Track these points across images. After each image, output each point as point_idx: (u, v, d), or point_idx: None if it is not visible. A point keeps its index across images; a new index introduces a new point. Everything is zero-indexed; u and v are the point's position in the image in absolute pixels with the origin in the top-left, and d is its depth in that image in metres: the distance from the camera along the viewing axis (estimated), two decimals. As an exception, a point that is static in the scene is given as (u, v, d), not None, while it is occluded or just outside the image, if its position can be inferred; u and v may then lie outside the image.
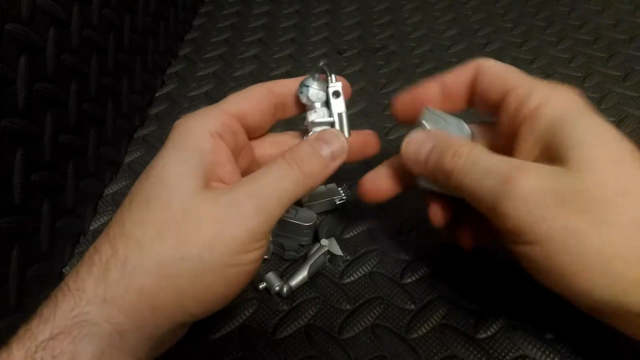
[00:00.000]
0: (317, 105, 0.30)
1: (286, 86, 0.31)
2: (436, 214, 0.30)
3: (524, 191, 0.23)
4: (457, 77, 0.30)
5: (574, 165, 0.22)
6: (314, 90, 0.30)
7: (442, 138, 0.27)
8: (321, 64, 0.30)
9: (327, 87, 0.30)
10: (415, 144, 0.28)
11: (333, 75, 0.30)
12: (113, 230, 0.24)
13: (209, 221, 0.24)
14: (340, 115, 0.30)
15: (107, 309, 0.22)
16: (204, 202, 0.24)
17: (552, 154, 0.24)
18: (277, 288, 0.33)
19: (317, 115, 0.30)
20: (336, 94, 0.30)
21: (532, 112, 0.25)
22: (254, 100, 0.29)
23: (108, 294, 0.22)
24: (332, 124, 0.30)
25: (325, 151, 0.28)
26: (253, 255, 0.24)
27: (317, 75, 0.30)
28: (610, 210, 0.22)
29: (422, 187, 0.30)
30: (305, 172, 0.26)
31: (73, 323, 0.22)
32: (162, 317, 0.23)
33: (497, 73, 0.28)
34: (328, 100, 0.30)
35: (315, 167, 0.27)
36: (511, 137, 0.27)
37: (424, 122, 0.29)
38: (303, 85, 0.30)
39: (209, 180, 0.25)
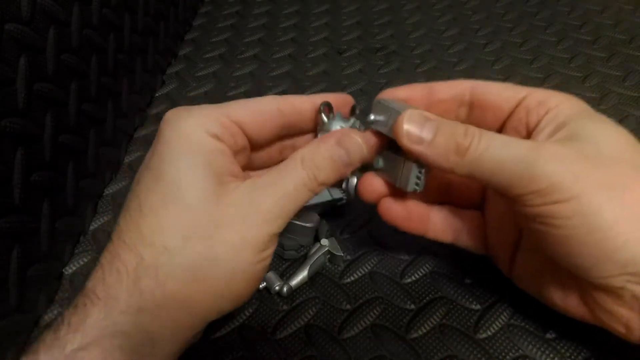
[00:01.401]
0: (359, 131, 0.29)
1: (298, 108, 0.29)
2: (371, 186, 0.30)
3: (558, 152, 0.24)
4: (450, 88, 0.30)
5: (594, 144, 0.24)
6: (348, 125, 0.30)
7: (441, 119, 0.27)
8: (357, 111, 0.30)
9: (351, 121, 0.30)
10: (416, 125, 0.26)
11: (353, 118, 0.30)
12: (129, 237, 0.24)
13: (235, 225, 0.24)
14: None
15: (142, 318, 0.22)
16: (227, 206, 0.24)
17: (569, 137, 0.25)
18: (277, 288, 0.33)
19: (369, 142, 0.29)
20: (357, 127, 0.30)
21: (553, 108, 0.27)
22: (259, 115, 0.28)
23: (144, 304, 0.23)
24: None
25: (345, 160, 0.27)
26: (270, 251, 0.26)
27: (338, 114, 0.30)
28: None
29: (377, 167, 0.30)
30: (320, 180, 0.26)
31: (104, 334, 0.22)
32: (198, 319, 0.24)
33: (504, 86, 0.29)
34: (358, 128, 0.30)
35: (330, 176, 0.27)
36: (519, 130, 0.29)
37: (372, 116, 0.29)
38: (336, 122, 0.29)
39: (221, 181, 0.25)
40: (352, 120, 0.30)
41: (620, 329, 0.25)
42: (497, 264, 0.32)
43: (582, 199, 0.23)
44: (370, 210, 0.39)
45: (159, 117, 0.51)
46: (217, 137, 0.26)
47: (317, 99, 0.29)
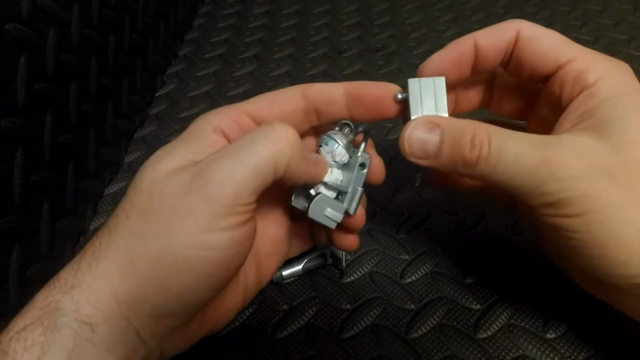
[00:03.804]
0: (334, 164, 0.27)
1: (322, 92, 0.28)
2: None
3: (570, 169, 0.22)
4: (493, 39, 0.27)
5: (618, 143, 0.23)
6: (342, 150, 0.27)
7: (449, 123, 0.25)
8: (361, 128, 0.28)
9: (354, 152, 0.28)
10: (419, 138, 0.25)
11: (364, 144, 0.28)
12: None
13: (169, 196, 0.22)
14: (356, 190, 0.27)
15: (76, 297, 0.21)
16: (170, 179, 0.23)
17: (596, 128, 0.23)
18: None
19: (330, 176, 0.27)
20: (363, 165, 0.27)
21: (590, 86, 0.25)
22: (276, 101, 0.28)
23: (77, 281, 0.22)
24: (341, 194, 0.27)
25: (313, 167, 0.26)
26: (221, 237, 0.22)
27: (346, 130, 0.28)
28: None
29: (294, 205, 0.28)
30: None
31: (44, 312, 0.21)
32: (127, 309, 0.22)
33: (549, 44, 0.26)
34: (348, 165, 0.27)
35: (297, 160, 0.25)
36: (553, 105, 0.26)
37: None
38: (330, 138, 0.27)
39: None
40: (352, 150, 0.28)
41: (635, 318, 0.25)
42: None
43: (591, 216, 0.22)
44: (371, 210, 0.39)
45: (159, 117, 0.51)
46: (222, 132, 0.26)
47: (351, 86, 0.28)
